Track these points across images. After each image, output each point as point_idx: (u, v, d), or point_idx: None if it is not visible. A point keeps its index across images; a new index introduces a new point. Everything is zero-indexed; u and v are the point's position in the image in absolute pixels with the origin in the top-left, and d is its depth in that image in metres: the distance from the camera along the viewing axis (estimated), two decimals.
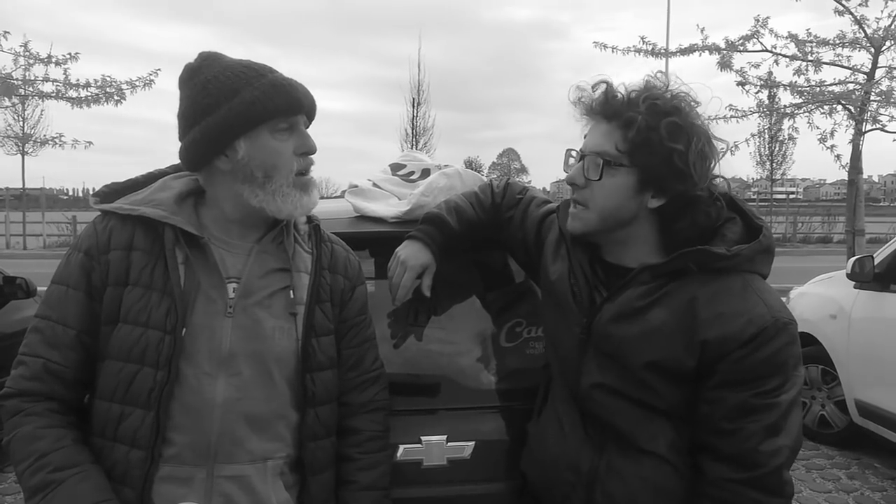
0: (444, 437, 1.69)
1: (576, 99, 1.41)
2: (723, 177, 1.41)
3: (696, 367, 1.31)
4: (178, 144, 1.36)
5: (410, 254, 1.67)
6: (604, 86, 1.37)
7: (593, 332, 1.41)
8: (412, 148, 21.59)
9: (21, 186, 21.23)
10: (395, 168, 2.20)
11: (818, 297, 4.95)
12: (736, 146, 8.69)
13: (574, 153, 1.43)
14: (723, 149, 1.38)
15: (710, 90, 1.38)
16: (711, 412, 1.31)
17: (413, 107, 23.32)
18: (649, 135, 1.30)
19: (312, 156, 1.40)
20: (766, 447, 1.26)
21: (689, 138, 1.30)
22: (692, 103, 1.35)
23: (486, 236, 1.80)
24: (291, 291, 1.40)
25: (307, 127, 1.40)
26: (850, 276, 4.44)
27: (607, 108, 1.35)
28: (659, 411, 1.37)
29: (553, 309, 1.55)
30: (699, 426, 1.34)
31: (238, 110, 1.28)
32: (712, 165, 1.35)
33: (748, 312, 1.28)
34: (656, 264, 1.36)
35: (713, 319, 1.29)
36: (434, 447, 1.68)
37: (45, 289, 1.39)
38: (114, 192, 1.42)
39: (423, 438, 1.68)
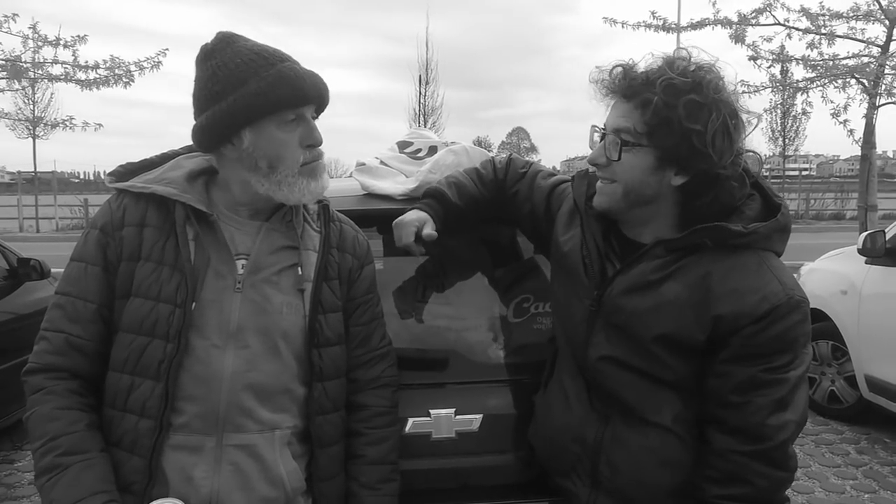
0: (453, 410, 1.72)
1: (597, 79, 1.38)
2: (753, 151, 1.39)
3: (706, 340, 1.32)
4: (190, 126, 1.38)
5: (408, 214, 1.70)
6: (621, 68, 1.35)
7: (604, 304, 1.42)
8: (420, 127, 21.38)
9: (33, 170, 21.42)
10: (403, 146, 2.20)
11: (829, 272, 4.92)
12: (748, 122, 8.60)
13: (598, 129, 1.41)
14: (752, 122, 1.35)
15: (732, 67, 1.33)
16: (720, 385, 1.33)
17: (421, 85, 23.02)
18: (668, 114, 1.27)
19: (320, 146, 1.39)
20: (774, 421, 1.28)
21: (709, 116, 1.26)
22: (718, 75, 1.31)
23: (490, 214, 1.81)
24: (299, 268, 1.42)
25: (317, 116, 1.39)
26: (861, 252, 4.42)
27: (627, 87, 1.33)
28: (666, 383, 1.38)
29: (563, 281, 1.56)
30: (707, 398, 1.36)
31: (244, 102, 1.28)
32: (738, 140, 1.32)
33: (763, 289, 1.29)
34: (671, 239, 1.36)
35: (727, 295, 1.30)
36: (443, 420, 1.71)
37: (59, 270, 1.41)
38: (128, 171, 1.45)
39: (431, 411, 1.71)
